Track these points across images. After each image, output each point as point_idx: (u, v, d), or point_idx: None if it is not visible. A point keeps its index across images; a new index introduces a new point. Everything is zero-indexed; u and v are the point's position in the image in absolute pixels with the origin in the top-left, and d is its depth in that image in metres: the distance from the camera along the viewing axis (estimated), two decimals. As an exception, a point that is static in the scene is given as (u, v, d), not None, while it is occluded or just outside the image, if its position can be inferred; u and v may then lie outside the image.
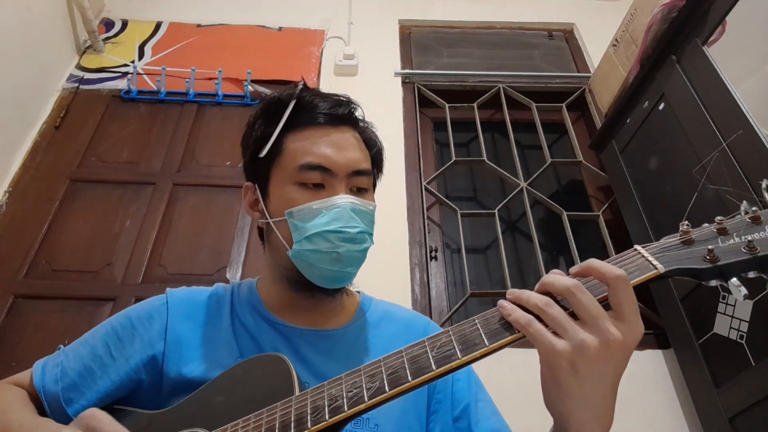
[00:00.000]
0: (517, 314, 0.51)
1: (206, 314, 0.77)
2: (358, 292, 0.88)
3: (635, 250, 0.55)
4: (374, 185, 0.84)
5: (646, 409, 1.57)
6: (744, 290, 0.51)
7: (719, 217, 0.54)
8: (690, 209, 1.53)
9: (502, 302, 0.54)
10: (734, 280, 0.51)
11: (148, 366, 0.72)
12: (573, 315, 0.51)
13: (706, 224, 0.55)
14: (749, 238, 0.51)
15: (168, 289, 0.80)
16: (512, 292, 0.54)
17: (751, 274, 0.52)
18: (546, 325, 0.50)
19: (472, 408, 0.76)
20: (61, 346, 0.76)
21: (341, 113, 0.78)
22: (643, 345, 1.68)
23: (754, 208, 0.54)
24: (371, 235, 0.77)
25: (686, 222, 0.55)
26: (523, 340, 0.52)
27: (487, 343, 0.51)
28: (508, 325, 0.52)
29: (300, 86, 0.79)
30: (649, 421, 1.55)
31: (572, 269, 0.54)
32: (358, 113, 0.82)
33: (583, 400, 0.50)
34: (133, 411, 0.70)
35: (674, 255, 0.53)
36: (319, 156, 0.74)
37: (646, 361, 1.66)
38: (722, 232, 0.53)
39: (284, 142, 0.77)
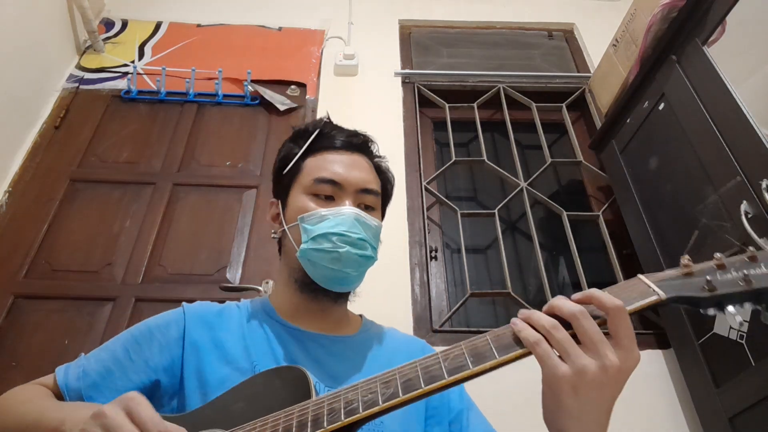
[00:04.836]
0: (527, 332, 0.55)
1: (221, 322, 0.82)
2: (360, 315, 0.94)
3: (638, 278, 0.58)
4: (383, 211, 0.93)
5: (646, 409, 1.57)
6: (740, 318, 0.54)
7: (718, 254, 0.58)
8: (689, 212, 1.53)
9: (514, 320, 0.57)
10: (730, 308, 0.55)
11: (167, 369, 0.75)
12: (575, 338, 0.54)
13: (707, 261, 0.59)
14: (745, 272, 0.55)
15: (184, 303, 0.85)
16: (523, 312, 0.58)
17: (747, 306, 0.55)
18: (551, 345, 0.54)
19: (464, 414, 0.82)
20: (83, 353, 0.80)
21: (356, 141, 0.89)
22: (643, 345, 1.68)
23: (750, 248, 0.58)
24: (374, 248, 0.84)
25: (687, 256, 0.58)
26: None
27: (497, 356, 0.54)
28: (517, 341, 0.56)
29: (325, 119, 0.91)
30: (649, 421, 1.55)
31: (574, 296, 0.57)
32: (373, 148, 0.92)
33: (581, 420, 0.54)
34: None
35: (675, 284, 0.57)
36: (332, 172, 0.84)
37: (646, 361, 1.66)
38: (721, 267, 0.57)
39: (304, 163, 0.87)
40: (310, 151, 0.88)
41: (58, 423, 0.61)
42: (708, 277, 0.55)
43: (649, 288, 0.56)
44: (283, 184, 0.89)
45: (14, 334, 1.62)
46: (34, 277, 1.75)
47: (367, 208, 0.85)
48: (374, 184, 0.87)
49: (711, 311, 0.56)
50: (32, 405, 0.69)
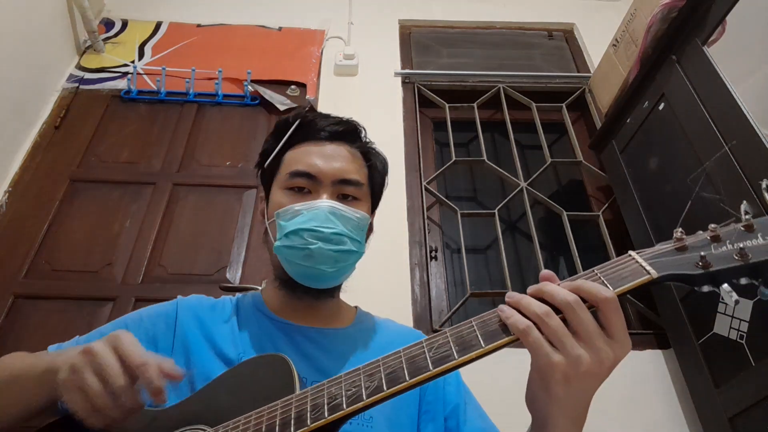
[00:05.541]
0: (515, 319, 0.53)
1: (212, 314, 0.82)
2: (356, 307, 0.92)
3: (629, 255, 0.56)
4: (375, 200, 0.88)
5: (646, 409, 1.57)
6: (735, 296, 0.53)
7: (713, 225, 0.55)
8: (689, 210, 1.53)
9: (501, 306, 0.55)
10: (726, 286, 0.53)
11: None
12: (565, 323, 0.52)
13: (701, 231, 0.56)
14: (741, 246, 0.52)
15: (179, 296, 0.86)
16: (512, 296, 0.55)
17: (743, 281, 0.53)
18: (542, 332, 0.52)
19: (461, 408, 0.80)
20: (78, 335, 0.83)
21: (336, 130, 0.85)
22: (643, 345, 1.68)
23: (747, 217, 0.55)
24: (355, 241, 0.80)
25: (680, 229, 0.56)
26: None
27: (483, 345, 0.53)
28: (504, 328, 0.53)
29: (307, 108, 0.87)
30: (649, 421, 1.55)
31: (562, 283, 0.55)
32: (360, 134, 0.88)
33: (567, 407, 0.53)
34: None
35: (667, 261, 0.54)
36: (306, 164, 0.81)
37: (646, 361, 1.65)
38: (715, 239, 0.54)
39: (284, 156, 0.85)
40: (292, 144, 0.85)
41: (49, 363, 0.63)
42: (702, 253, 0.53)
43: (641, 266, 0.54)
44: (265, 178, 0.87)
45: (14, 334, 1.62)
46: (34, 277, 1.74)
47: (350, 199, 0.81)
48: (355, 174, 0.82)
49: (705, 288, 0.54)
50: (26, 357, 0.74)
